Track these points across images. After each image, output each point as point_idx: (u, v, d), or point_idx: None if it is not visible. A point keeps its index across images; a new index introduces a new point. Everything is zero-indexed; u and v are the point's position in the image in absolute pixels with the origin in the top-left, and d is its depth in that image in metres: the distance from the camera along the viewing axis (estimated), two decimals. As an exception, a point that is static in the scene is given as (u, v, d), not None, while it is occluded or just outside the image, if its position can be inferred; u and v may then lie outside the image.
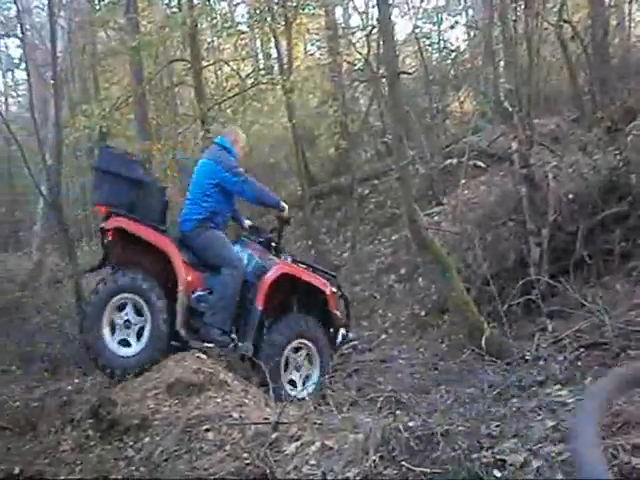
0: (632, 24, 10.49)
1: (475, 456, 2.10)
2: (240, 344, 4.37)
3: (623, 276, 5.24)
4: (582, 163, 6.70)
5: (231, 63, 11.29)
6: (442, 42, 14.04)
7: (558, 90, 10.05)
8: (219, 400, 3.61)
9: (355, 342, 6.82)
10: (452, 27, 11.98)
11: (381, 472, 2.23)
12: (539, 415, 2.41)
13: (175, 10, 10.13)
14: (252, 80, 10.10)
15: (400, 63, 12.97)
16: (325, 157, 12.49)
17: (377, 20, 6.28)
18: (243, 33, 11.61)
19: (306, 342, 4.55)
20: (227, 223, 4.82)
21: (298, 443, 2.70)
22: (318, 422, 2.94)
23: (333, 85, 10.16)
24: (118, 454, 3.27)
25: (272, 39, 10.44)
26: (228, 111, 10.13)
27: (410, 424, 2.48)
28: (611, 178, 6.01)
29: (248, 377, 4.33)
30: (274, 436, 2.85)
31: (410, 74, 9.88)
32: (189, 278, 4.33)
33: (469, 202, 8.39)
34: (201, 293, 4.37)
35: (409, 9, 13.47)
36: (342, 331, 4.85)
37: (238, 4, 13.51)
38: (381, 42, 7.48)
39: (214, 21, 10.64)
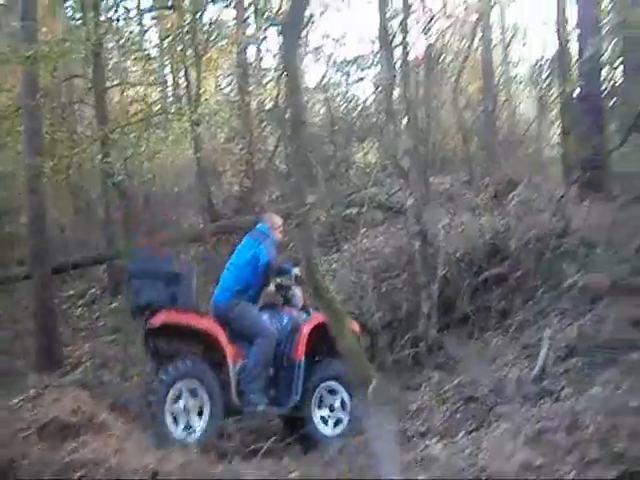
0: (517, 102, 11.64)
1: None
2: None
3: (501, 332, 5.63)
4: (470, 224, 7.21)
5: (138, 87, 11.04)
6: (350, 94, 14.70)
7: (454, 152, 10.85)
8: (97, 444, 3.38)
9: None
10: (359, 80, 12.52)
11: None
12: (414, 469, 2.51)
13: (79, 24, 9.79)
14: (158, 107, 9.91)
15: (310, 110, 13.40)
16: (230, 193, 12.45)
17: (283, 66, 6.40)
18: (151, 58, 11.41)
19: (337, 385, 4.88)
20: (259, 296, 5.14)
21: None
22: (199, 471, 2.85)
23: (241, 123, 10.18)
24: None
25: (182, 69, 10.34)
26: (132, 136, 9.83)
27: (292, 475, 2.49)
28: (494, 241, 6.51)
29: (135, 418, 4.17)
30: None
31: (309, 125, 10.16)
32: (232, 352, 4.66)
33: (367, 251, 8.69)
34: (242, 363, 4.71)
35: (321, 57, 14.02)
36: None
37: (149, 28, 13.26)
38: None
39: (121, 41, 10.36)
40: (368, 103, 12.76)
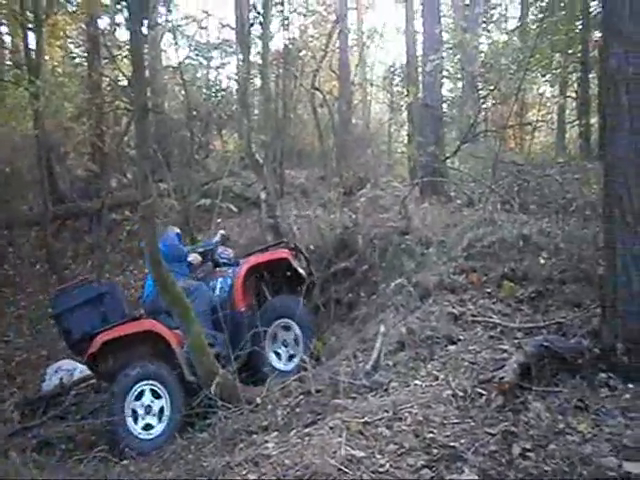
0: (371, 103, 12.22)
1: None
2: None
3: (348, 324, 5.90)
4: (322, 219, 7.46)
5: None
6: (213, 79, 14.34)
7: (310, 147, 11.10)
8: None
9: (94, 381, 6.38)
10: (218, 68, 12.29)
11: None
12: (245, 469, 2.55)
13: None
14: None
15: (169, 92, 12.85)
16: (78, 176, 11.55)
17: (128, 49, 6.09)
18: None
19: (289, 322, 5.31)
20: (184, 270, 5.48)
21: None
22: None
23: (88, 101, 9.46)
24: None
25: (20, 32, 9.33)
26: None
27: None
28: (343, 236, 6.80)
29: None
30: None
31: (160, 113, 9.78)
32: (175, 337, 4.94)
33: (221, 242, 8.62)
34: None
35: (181, 37, 13.45)
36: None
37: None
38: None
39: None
40: (230, 90, 12.59)
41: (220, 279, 5.60)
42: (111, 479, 3.24)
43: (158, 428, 4.73)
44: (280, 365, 5.29)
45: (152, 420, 4.76)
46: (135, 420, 4.75)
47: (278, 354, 5.39)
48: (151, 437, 4.67)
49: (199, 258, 5.72)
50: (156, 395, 4.84)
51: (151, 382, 4.82)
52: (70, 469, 3.43)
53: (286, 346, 5.40)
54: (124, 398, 4.73)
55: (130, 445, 4.44)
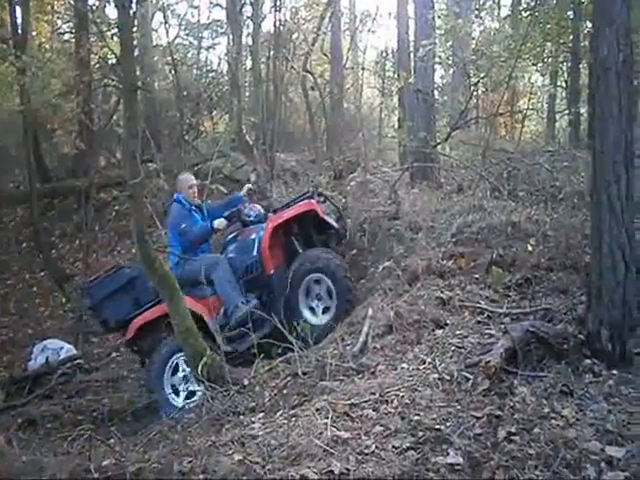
0: (364, 87, 12.13)
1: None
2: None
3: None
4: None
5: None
6: (203, 59, 14.16)
7: (301, 130, 11.02)
8: None
9: (80, 361, 6.38)
10: (209, 48, 12.13)
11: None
12: (230, 449, 2.56)
13: None
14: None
15: (159, 72, 12.67)
16: (64, 154, 11.39)
17: (117, 26, 5.98)
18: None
19: (321, 275, 5.12)
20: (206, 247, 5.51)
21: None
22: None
23: (76, 78, 9.29)
24: None
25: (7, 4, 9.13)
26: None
27: (104, 463, 2.40)
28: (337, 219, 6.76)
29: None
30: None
31: (149, 91, 9.63)
32: (205, 307, 5.01)
33: (210, 224, 8.57)
34: (220, 310, 5.13)
35: (171, 16, 13.22)
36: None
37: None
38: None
39: None
40: (221, 71, 12.44)
41: (249, 239, 5.45)
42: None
43: (200, 393, 4.78)
44: (315, 319, 5.14)
45: (193, 387, 4.88)
46: (177, 394, 4.95)
47: (312, 309, 5.25)
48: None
49: (224, 222, 5.43)
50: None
51: (182, 354, 4.86)
52: (56, 448, 3.42)
53: (319, 300, 5.24)
54: (162, 376, 4.93)
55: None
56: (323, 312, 5.22)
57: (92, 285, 5.49)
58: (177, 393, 4.99)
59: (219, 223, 5.37)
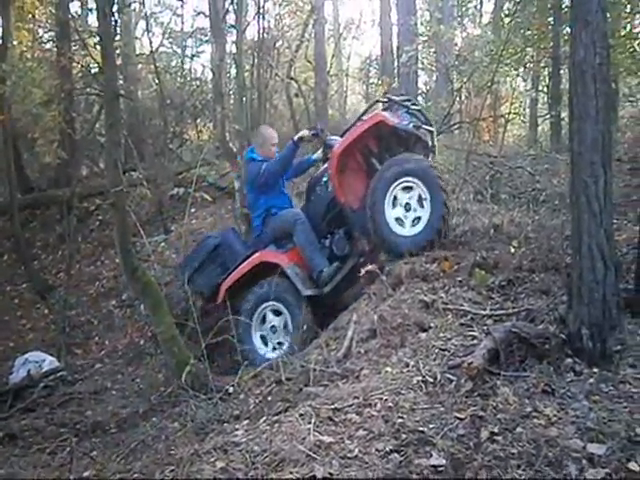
0: (348, 94, 12.19)
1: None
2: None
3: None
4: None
5: None
6: (188, 68, 14.13)
7: (286, 137, 11.02)
8: None
9: (63, 373, 6.29)
10: (193, 56, 12.13)
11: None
12: (213, 457, 2.53)
13: None
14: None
15: (143, 80, 12.64)
16: (46, 163, 11.29)
17: (97, 34, 5.97)
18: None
19: (411, 180, 4.71)
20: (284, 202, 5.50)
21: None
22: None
23: (57, 87, 9.23)
24: None
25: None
26: None
27: (85, 474, 2.36)
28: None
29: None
30: None
31: (131, 100, 9.61)
32: (285, 258, 5.14)
33: (195, 232, 8.53)
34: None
35: (155, 25, 13.20)
36: None
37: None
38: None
39: None
40: (205, 79, 12.45)
41: (326, 175, 5.31)
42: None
43: (286, 343, 5.03)
44: (403, 231, 4.73)
45: (280, 338, 5.15)
46: (266, 344, 5.18)
47: (399, 220, 4.76)
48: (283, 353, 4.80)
49: (306, 132, 5.32)
50: (277, 313, 5.18)
51: (270, 303, 5.14)
52: (36, 461, 3.36)
53: (408, 210, 4.74)
54: (250, 326, 5.12)
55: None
56: (412, 224, 4.74)
57: (185, 258, 5.78)
58: (266, 343, 5.22)
59: (302, 133, 5.34)
